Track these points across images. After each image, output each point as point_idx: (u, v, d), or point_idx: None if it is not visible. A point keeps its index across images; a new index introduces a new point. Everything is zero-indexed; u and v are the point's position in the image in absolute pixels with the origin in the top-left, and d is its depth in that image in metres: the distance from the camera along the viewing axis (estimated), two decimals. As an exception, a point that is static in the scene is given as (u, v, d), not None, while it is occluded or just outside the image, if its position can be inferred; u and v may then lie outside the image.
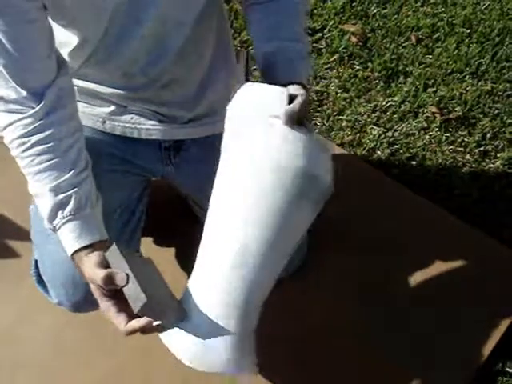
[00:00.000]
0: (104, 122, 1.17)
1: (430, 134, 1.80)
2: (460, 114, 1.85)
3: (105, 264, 0.89)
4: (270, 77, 1.00)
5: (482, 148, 1.78)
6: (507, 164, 1.75)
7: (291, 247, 0.92)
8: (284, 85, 0.92)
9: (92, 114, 1.16)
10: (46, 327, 1.41)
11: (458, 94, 1.89)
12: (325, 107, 1.86)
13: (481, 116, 1.85)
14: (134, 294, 0.83)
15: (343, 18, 2.07)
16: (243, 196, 0.87)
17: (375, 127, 1.81)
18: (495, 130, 1.82)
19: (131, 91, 1.12)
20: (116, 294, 0.87)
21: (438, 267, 1.52)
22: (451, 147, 1.78)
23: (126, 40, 1.00)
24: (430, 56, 1.99)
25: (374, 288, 1.47)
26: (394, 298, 1.47)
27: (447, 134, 1.80)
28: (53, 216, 0.94)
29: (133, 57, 1.04)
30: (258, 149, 0.87)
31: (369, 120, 1.83)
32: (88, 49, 1.02)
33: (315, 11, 2.08)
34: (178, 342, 0.87)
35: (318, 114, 1.84)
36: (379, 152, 1.76)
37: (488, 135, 1.81)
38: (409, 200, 1.64)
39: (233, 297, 0.86)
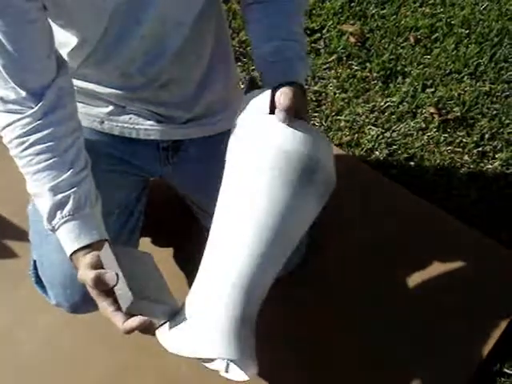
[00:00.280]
0: (102, 122, 1.17)
1: (429, 134, 1.80)
2: (458, 114, 1.85)
3: (98, 265, 0.89)
4: (268, 77, 1.00)
5: (480, 148, 1.78)
6: (505, 164, 1.75)
7: (294, 243, 0.92)
8: (282, 85, 0.92)
9: (90, 115, 1.16)
10: (44, 328, 1.41)
11: (456, 94, 1.89)
12: (323, 107, 1.86)
13: (479, 117, 1.85)
14: (122, 293, 0.84)
15: (342, 19, 2.07)
16: (247, 190, 0.88)
17: (373, 128, 1.81)
18: (493, 131, 1.82)
19: (129, 91, 1.12)
20: (112, 293, 0.87)
21: (437, 267, 1.52)
22: (449, 148, 1.78)
23: (125, 40, 1.00)
24: (429, 56, 1.99)
25: (374, 288, 1.47)
26: (394, 298, 1.47)
27: (445, 135, 1.80)
28: (52, 216, 0.94)
29: (131, 57, 1.04)
30: (259, 140, 0.88)
31: (367, 120, 1.83)
32: (87, 49, 1.02)
33: (314, 11, 2.08)
34: (164, 330, 0.87)
35: (316, 114, 1.84)
36: (377, 152, 1.76)
37: (486, 136, 1.81)
38: (407, 200, 1.64)
39: (232, 297, 0.86)
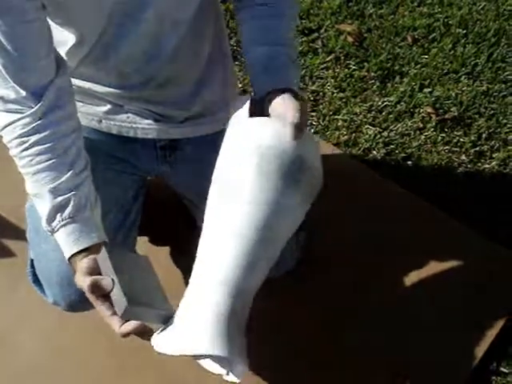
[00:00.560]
0: (100, 121, 1.17)
1: (426, 134, 1.81)
2: (456, 114, 1.85)
3: (95, 269, 0.90)
4: (259, 81, 1.01)
5: (477, 148, 1.79)
6: (502, 164, 1.76)
7: (282, 242, 0.92)
8: (273, 89, 0.94)
9: (88, 113, 1.16)
10: (42, 327, 1.41)
11: (453, 94, 1.89)
12: (320, 107, 1.86)
13: (476, 116, 1.85)
14: (117, 299, 0.85)
15: (339, 18, 2.07)
16: (231, 191, 0.89)
17: (371, 127, 1.81)
18: (491, 131, 1.82)
19: (127, 90, 1.12)
20: (109, 297, 0.88)
21: (434, 266, 1.52)
22: (447, 147, 1.78)
23: (123, 39, 1.00)
24: (426, 56, 1.99)
25: (373, 288, 1.48)
26: (393, 298, 1.47)
27: (443, 135, 1.81)
28: (51, 218, 0.94)
29: (129, 56, 1.04)
30: (241, 138, 0.90)
31: (364, 120, 1.83)
32: (85, 48, 1.02)
33: (311, 11, 2.08)
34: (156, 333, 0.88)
35: (313, 113, 1.84)
36: (375, 152, 1.77)
37: (483, 135, 1.81)
38: (404, 200, 1.64)
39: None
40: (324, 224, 1.49)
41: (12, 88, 0.92)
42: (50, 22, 0.97)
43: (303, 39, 2.01)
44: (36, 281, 1.18)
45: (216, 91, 1.20)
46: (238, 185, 0.88)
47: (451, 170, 1.74)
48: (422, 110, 1.85)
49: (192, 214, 1.35)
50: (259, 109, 0.95)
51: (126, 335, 0.88)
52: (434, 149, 1.78)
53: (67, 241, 0.94)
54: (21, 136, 0.94)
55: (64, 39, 1.02)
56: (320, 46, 2.01)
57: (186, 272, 1.48)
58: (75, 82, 1.11)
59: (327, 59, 1.97)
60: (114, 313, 0.88)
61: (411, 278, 1.50)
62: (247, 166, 0.87)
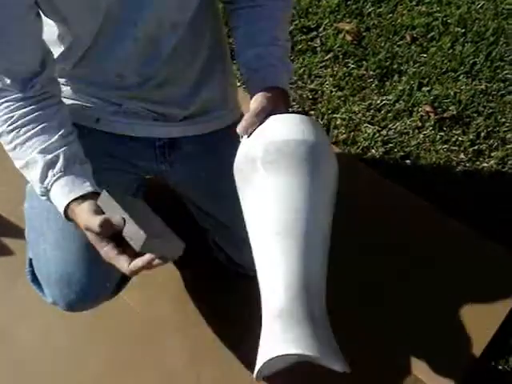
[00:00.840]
0: (98, 120, 1.17)
1: (425, 132, 1.81)
2: (454, 113, 1.85)
3: (100, 211, 0.90)
4: (251, 83, 1.02)
5: (476, 147, 1.79)
6: (501, 163, 1.76)
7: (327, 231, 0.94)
8: (265, 90, 0.97)
9: (86, 113, 1.16)
10: (41, 325, 1.41)
11: (452, 93, 1.89)
12: (319, 105, 1.86)
13: (475, 115, 1.86)
14: (133, 233, 0.85)
15: (338, 17, 2.07)
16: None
17: (369, 126, 1.82)
18: (489, 129, 1.82)
19: (125, 90, 1.12)
20: (113, 238, 0.88)
21: (433, 266, 1.52)
22: (445, 146, 1.79)
23: (120, 41, 1.00)
24: (425, 55, 1.99)
25: (373, 288, 1.48)
26: (392, 298, 1.47)
27: (441, 133, 1.81)
28: (43, 177, 0.96)
29: (126, 57, 1.04)
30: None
31: (363, 118, 1.83)
32: (81, 48, 1.03)
33: (310, 9, 2.08)
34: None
35: (312, 112, 1.84)
36: (373, 150, 1.77)
37: (482, 134, 1.81)
38: (402, 198, 1.64)
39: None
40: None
41: None
42: (49, 21, 0.98)
43: (302, 38, 2.01)
44: (34, 280, 1.19)
45: (215, 90, 1.20)
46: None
47: (450, 168, 1.74)
48: (420, 109, 1.86)
49: (192, 213, 1.35)
50: None
51: (135, 272, 0.87)
52: (433, 147, 1.78)
53: (62, 192, 0.95)
54: (7, 113, 0.97)
55: (60, 39, 1.02)
56: (319, 44, 2.01)
57: (185, 270, 1.49)
58: (73, 82, 1.11)
59: (326, 58, 1.97)
60: (120, 252, 0.88)
61: (409, 276, 1.50)
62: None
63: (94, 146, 1.14)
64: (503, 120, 1.84)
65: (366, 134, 1.79)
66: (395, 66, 1.95)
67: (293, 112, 1.06)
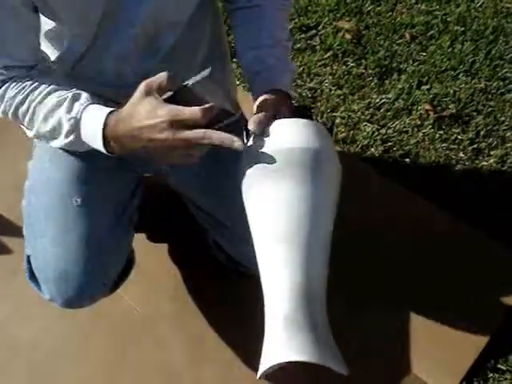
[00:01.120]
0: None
1: (424, 131, 1.81)
2: (453, 111, 1.85)
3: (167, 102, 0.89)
4: (254, 85, 1.02)
5: (475, 146, 1.79)
6: (500, 162, 1.76)
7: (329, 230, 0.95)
8: (268, 92, 0.97)
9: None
10: (39, 322, 1.40)
11: (451, 91, 1.89)
12: (318, 104, 1.86)
13: (474, 114, 1.85)
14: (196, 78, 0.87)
15: (337, 15, 2.07)
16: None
17: (369, 124, 1.81)
18: (488, 128, 1.82)
19: (124, 89, 1.11)
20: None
21: (433, 265, 1.52)
22: (444, 145, 1.78)
23: (118, 41, 1.00)
24: (424, 53, 1.99)
25: (373, 288, 1.47)
26: (392, 297, 1.47)
27: (441, 132, 1.81)
28: (70, 108, 0.95)
29: (125, 57, 1.04)
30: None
31: (362, 117, 1.83)
32: (79, 49, 1.02)
33: (309, 8, 2.08)
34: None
35: (311, 110, 1.84)
36: (373, 149, 1.76)
37: (481, 133, 1.81)
38: (402, 197, 1.64)
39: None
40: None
41: None
42: (48, 21, 0.97)
43: (301, 36, 2.01)
44: (32, 277, 1.18)
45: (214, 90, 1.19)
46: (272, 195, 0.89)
47: (449, 167, 1.74)
48: (419, 108, 1.85)
49: (192, 213, 1.35)
50: None
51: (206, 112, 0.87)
52: (432, 146, 1.78)
53: (95, 114, 0.93)
54: (18, 82, 0.98)
55: (59, 40, 1.02)
56: (318, 43, 2.00)
57: (184, 269, 1.49)
58: (72, 82, 1.10)
59: (325, 56, 1.97)
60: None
61: (409, 276, 1.50)
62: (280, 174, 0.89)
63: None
64: (503, 118, 1.84)
65: (365, 133, 1.79)
66: (394, 65, 1.95)
67: (297, 108, 1.05)
